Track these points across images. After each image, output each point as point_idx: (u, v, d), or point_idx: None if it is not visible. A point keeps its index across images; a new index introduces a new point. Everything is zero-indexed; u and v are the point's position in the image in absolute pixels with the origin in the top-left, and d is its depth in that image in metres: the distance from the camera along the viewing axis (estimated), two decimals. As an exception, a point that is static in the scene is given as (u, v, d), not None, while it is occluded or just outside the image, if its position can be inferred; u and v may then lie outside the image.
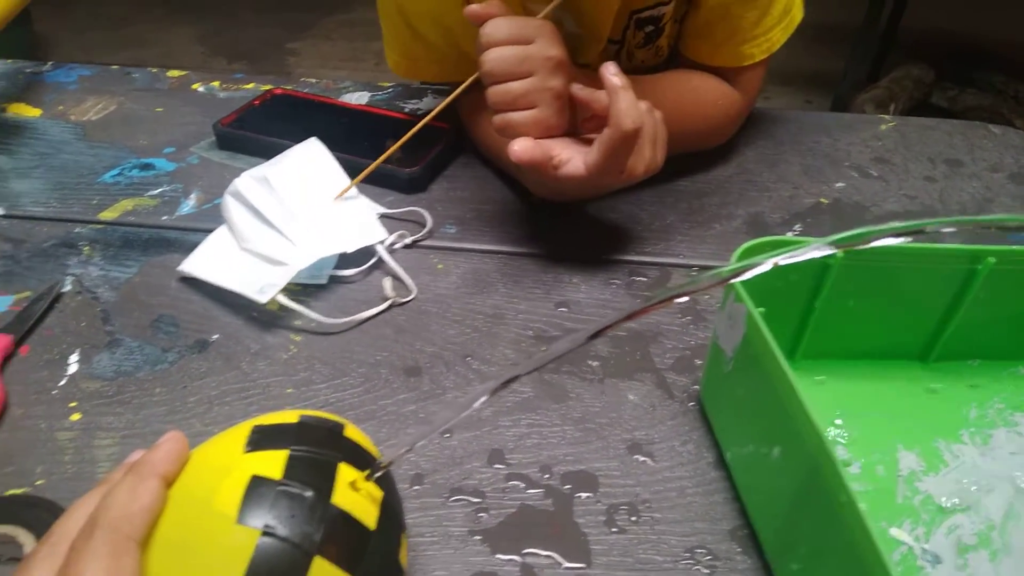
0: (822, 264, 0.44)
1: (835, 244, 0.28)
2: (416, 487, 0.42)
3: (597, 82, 0.51)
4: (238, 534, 0.28)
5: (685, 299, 0.28)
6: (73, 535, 0.27)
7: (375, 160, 0.63)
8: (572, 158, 0.50)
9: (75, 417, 0.44)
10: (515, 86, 0.49)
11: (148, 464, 0.29)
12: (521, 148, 0.48)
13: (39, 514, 0.37)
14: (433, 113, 0.56)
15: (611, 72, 0.47)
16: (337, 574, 0.28)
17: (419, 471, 0.42)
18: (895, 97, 2.16)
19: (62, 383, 0.47)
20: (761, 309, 0.38)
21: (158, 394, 0.46)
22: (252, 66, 2.43)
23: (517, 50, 0.49)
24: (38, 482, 0.41)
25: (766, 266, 0.28)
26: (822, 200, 0.67)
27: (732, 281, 0.28)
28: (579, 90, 0.51)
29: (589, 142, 0.51)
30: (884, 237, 0.27)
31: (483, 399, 0.30)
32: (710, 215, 0.64)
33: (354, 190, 0.58)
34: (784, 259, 0.27)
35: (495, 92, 0.50)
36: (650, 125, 0.51)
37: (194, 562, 0.27)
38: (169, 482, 0.29)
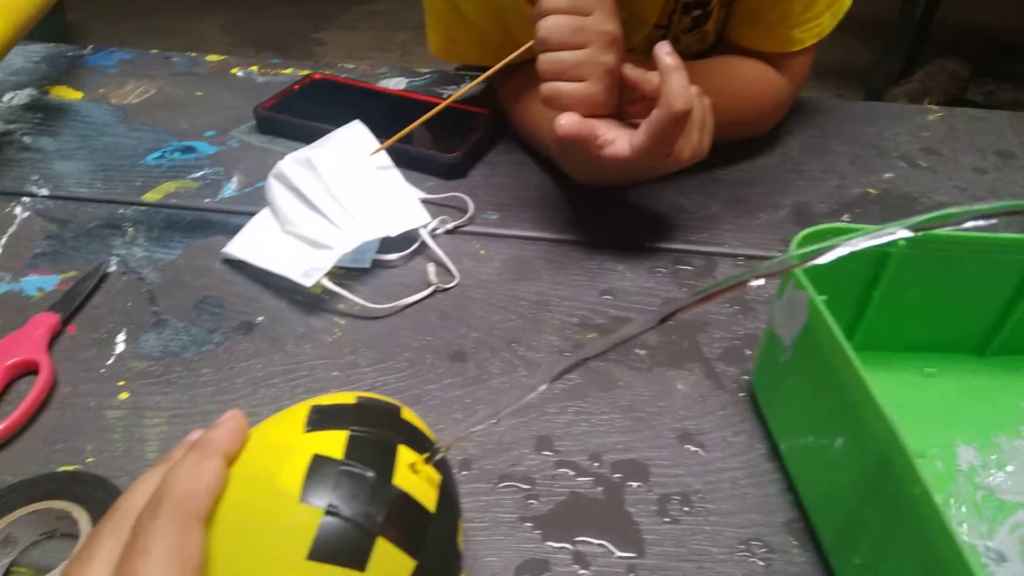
0: (881, 253, 0.43)
1: (918, 227, 0.27)
2: (464, 472, 0.41)
3: (644, 66, 0.50)
4: (301, 513, 0.27)
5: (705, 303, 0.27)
6: (137, 512, 0.27)
7: (416, 145, 0.63)
8: (617, 138, 0.49)
9: (123, 396, 0.44)
10: (567, 56, 0.48)
11: (211, 442, 0.29)
12: (568, 122, 0.47)
13: (92, 491, 0.37)
14: (481, 78, 0.55)
15: (665, 52, 0.46)
16: (399, 556, 0.28)
17: (467, 456, 0.42)
18: (929, 91, 2.13)
19: (110, 362, 0.47)
20: (823, 297, 0.37)
21: (205, 375, 0.46)
22: (279, 56, 2.43)
23: (574, 20, 0.48)
24: (88, 459, 0.41)
25: (846, 248, 0.27)
26: (870, 190, 0.65)
27: (817, 262, 0.27)
28: (629, 70, 0.50)
29: (634, 127, 0.50)
30: (970, 219, 0.26)
31: (550, 381, 0.29)
32: (755, 204, 0.63)
33: (397, 173, 0.57)
34: (867, 241, 0.26)
35: (546, 60, 0.49)
36: (699, 110, 0.50)
37: (257, 540, 0.27)
38: (231, 461, 0.29)
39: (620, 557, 0.38)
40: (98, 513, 0.36)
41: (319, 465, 0.29)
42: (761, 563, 0.38)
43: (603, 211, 0.61)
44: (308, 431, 0.30)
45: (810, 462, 0.39)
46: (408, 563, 0.28)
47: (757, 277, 0.28)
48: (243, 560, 0.27)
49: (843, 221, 0.62)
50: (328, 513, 0.27)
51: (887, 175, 0.68)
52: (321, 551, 0.27)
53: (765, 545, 0.38)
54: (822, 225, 0.42)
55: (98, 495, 0.37)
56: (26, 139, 0.67)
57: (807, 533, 0.39)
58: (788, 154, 0.70)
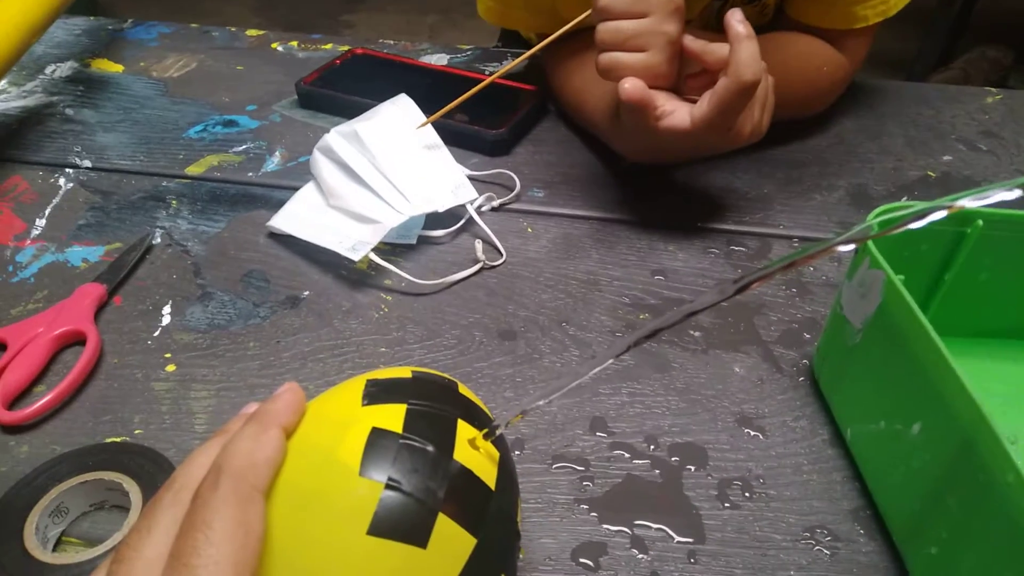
0: (957, 234, 0.41)
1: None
2: (517, 452, 0.40)
3: (703, 39, 0.49)
4: (361, 486, 0.26)
5: (790, 270, 0.25)
6: (196, 483, 0.26)
7: (460, 120, 0.61)
8: (677, 110, 0.47)
9: (170, 368, 0.44)
10: (628, 25, 0.47)
11: (269, 414, 0.28)
12: (632, 86, 0.45)
13: (142, 462, 0.36)
14: (534, 50, 0.54)
15: (737, 19, 0.44)
16: (460, 533, 0.27)
17: (519, 436, 0.41)
18: (970, 78, 2.07)
19: (156, 334, 0.46)
20: (901, 276, 0.36)
21: (252, 348, 0.45)
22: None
23: None
24: (136, 431, 0.40)
25: (940, 213, 0.25)
26: (929, 173, 0.63)
27: (912, 226, 0.26)
28: (691, 41, 0.48)
29: (692, 102, 0.48)
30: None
31: (619, 354, 0.28)
32: (809, 185, 0.61)
33: (444, 148, 0.56)
34: (969, 202, 0.25)
35: (606, 29, 0.48)
36: (762, 86, 0.48)
37: (317, 513, 0.26)
38: (289, 433, 0.28)
39: (680, 542, 0.36)
40: (148, 485, 0.35)
41: (378, 438, 0.28)
42: (827, 552, 0.36)
43: (651, 191, 0.59)
44: (366, 404, 0.29)
45: (880, 449, 0.37)
46: (469, 540, 0.27)
47: (845, 243, 0.26)
48: (303, 534, 0.26)
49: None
50: (388, 487, 0.26)
51: (946, 157, 0.65)
52: (382, 526, 0.26)
53: (830, 533, 0.37)
54: (894, 203, 0.40)
55: (148, 467, 0.36)
56: (68, 111, 0.67)
57: (874, 522, 0.37)
58: (842, 135, 0.68)
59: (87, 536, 0.36)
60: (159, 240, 0.53)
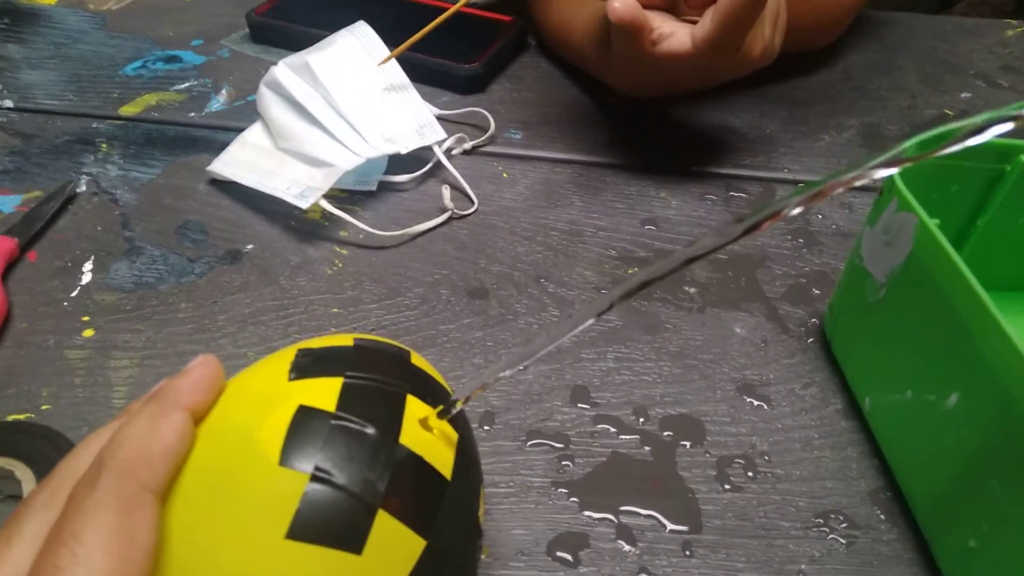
0: (994, 172, 0.36)
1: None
2: (486, 428, 0.35)
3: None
4: (279, 479, 0.21)
5: (797, 213, 0.20)
6: (76, 480, 0.21)
7: (429, 55, 0.55)
8: (676, 32, 0.41)
9: (88, 333, 0.38)
10: None
11: (172, 393, 0.22)
12: (623, 5, 0.39)
13: (40, 446, 0.31)
14: None
15: None
16: (405, 535, 0.22)
17: (489, 409, 0.36)
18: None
19: (74, 294, 0.40)
20: (936, 220, 0.30)
21: (184, 310, 0.39)
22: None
23: None
24: (44, 407, 0.35)
25: (1007, 125, 0.20)
26: (947, 111, 0.57)
27: (951, 150, 0.20)
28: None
29: (692, 23, 0.42)
30: None
31: (602, 312, 0.22)
32: (816, 125, 0.55)
33: (407, 83, 0.49)
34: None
35: None
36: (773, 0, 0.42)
37: (225, 515, 0.21)
38: (199, 417, 0.23)
39: (673, 531, 0.31)
40: (44, 472, 0.30)
41: (304, 419, 0.22)
42: (842, 540, 0.31)
43: (641, 132, 0.53)
44: (293, 379, 0.24)
45: (906, 422, 0.32)
46: (416, 543, 0.22)
47: (871, 169, 0.21)
48: (207, 541, 0.21)
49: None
50: (315, 479, 0.21)
51: (964, 95, 0.59)
52: (305, 528, 0.20)
53: (846, 519, 0.32)
54: (934, 131, 0.34)
55: (46, 450, 0.31)
56: (-10, 46, 0.60)
57: (897, 505, 0.33)
58: (849, 71, 0.61)
59: (-22, 532, 0.30)
60: (84, 188, 0.47)
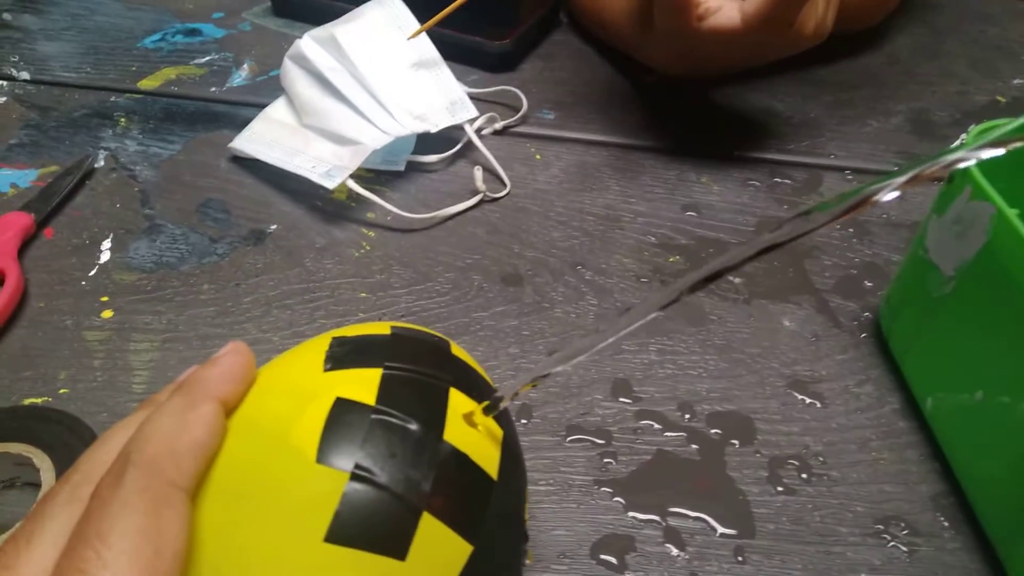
0: (1071, 159, 0.33)
1: None
2: (524, 421, 0.33)
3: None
4: (317, 478, 0.19)
5: (893, 198, 0.18)
6: (101, 475, 0.19)
7: (456, 30, 0.53)
8: (723, 6, 0.39)
9: (107, 314, 0.36)
10: None
11: (202, 383, 0.20)
12: None
13: (59, 432, 0.29)
14: None
15: None
16: (451, 539, 0.20)
17: (525, 402, 0.34)
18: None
19: (92, 273, 0.38)
20: (1015, 210, 0.28)
21: (206, 292, 0.38)
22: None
23: None
24: (61, 391, 0.33)
25: None
26: (999, 98, 0.55)
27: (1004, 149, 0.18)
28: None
29: None
30: None
31: (670, 302, 0.20)
32: (863, 110, 0.53)
33: (437, 58, 0.47)
34: None
35: None
36: None
37: (260, 516, 0.19)
38: (229, 409, 0.21)
39: (724, 535, 0.30)
40: (64, 459, 0.28)
41: (343, 413, 0.21)
42: (903, 548, 0.30)
43: (680, 114, 0.51)
44: (329, 369, 0.22)
45: (974, 425, 0.30)
46: (463, 548, 0.20)
47: (978, 150, 0.19)
48: (241, 544, 0.19)
49: (969, 132, 0.51)
50: (355, 478, 0.19)
51: (1016, 81, 0.57)
52: (345, 530, 0.19)
53: (907, 526, 0.30)
54: (1001, 119, 0.32)
55: (64, 436, 0.29)
56: (6, 16, 0.58)
57: (961, 512, 0.31)
58: (896, 55, 0.59)
59: (-8, 521, 0.29)
60: (102, 163, 0.45)
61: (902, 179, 0.18)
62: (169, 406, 0.20)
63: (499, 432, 0.23)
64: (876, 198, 0.18)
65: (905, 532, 0.30)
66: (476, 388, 0.24)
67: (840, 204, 0.19)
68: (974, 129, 0.31)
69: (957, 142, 0.50)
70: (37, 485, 0.29)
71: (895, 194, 0.18)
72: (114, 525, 0.17)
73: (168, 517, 0.18)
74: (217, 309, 0.37)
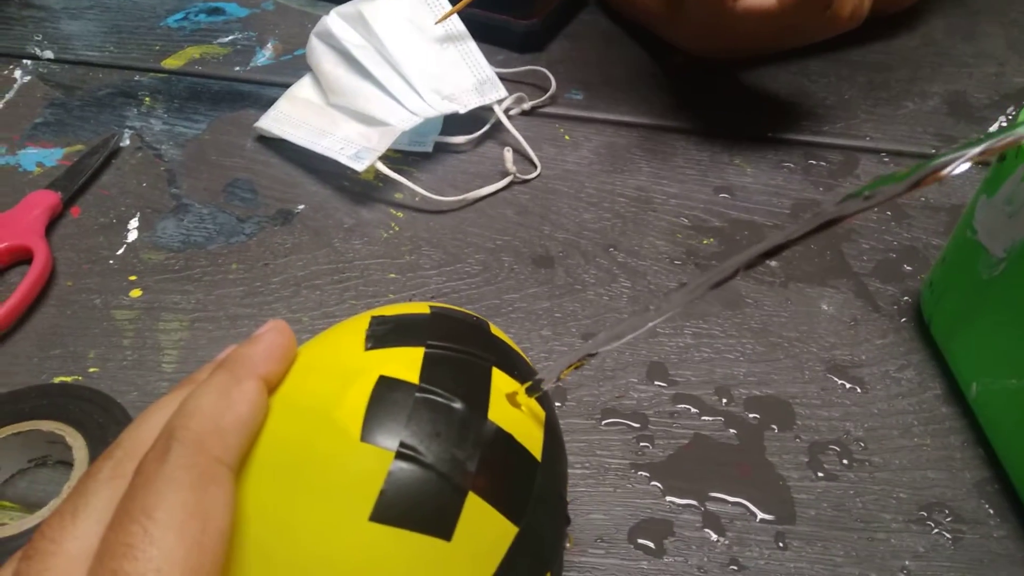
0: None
1: None
2: (558, 404, 0.33)
3: None
4: (363, 456, 0.19)
5: (962, 171, 0.17)
6: (144, 451, 0.19)
7: (482, 8, 0.52)
8: None
9: (135, 293, 0.36)
10: None
11: (245, 361, 0.20)
12: None
13: (90, 410, 0.29)
14: None
15: None
16: (496, 520, 0.20)
17: (561, 384, 0.33)
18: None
19: (120, 252, 0.38)
20: (1074, 189, 0.27)
21: (234, 271, 0.37)
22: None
23: None
24: (91, 369, 0.33)
25: None
26: (1039, 80, 0.53)
27: None
28: None
29: None
30: None
31: (725, 279, 0.20)
32: (898, 92, 0.51)
33: (466, 34, 0.46)
34: None
35: None
36: None
37: (305, 495, 0.19)
38: (271, 387, 0.21)
39: (764, 521, 0.29)
40: (96, 438, 0.28)
41: (387, 391, 0.20)
42: (948, 536, 0.29)
43: (710, 94, 0.50)
44: (370, 348, 0.22)
45: (1018, 409, 0.29)
46: (508, 529, 0.20)
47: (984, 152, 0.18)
48: (286, 520, 0.19)
49: (1009, 116, 0.50)
50: (400, 456, 0.19)
51: (1056, 63, 0.55)
52: (390, 510, 0.18)
53: (952, 513, 0.30)
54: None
55: (96, 415, 0.29)
56: (28, -5, 0.58)
57: (1006, 499, 0.30)
58: (931, 36, 0.57)
59: (24, 498, 0.29)
60: (128, 142, 0.45)
61: (976, 150, 0.17)
62: (212, 383, 0.19)
63: (542, 413, 0.23)
64: (944, 172, 0.18)
65: (949, 519, 0.29)
66: (518, 368, 0.23)
67: (904, 178, 0.18)
68: (1028, 106, 0.30)
69: (995, 125, 0.49)
70: (69, 464, 0.28)
71: (965, 167, 0.18)
72: (160, 501, 0.17)
73: (213, 494, 0.17)
74: (246, 289, 0.37)
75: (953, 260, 0.33)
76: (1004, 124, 0.48)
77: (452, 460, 0.20)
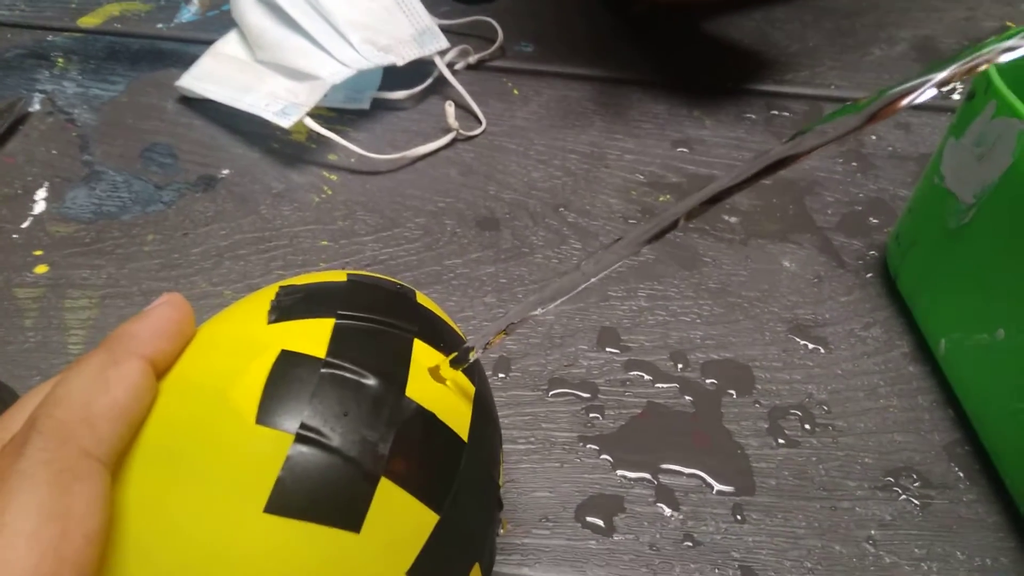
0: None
1: None
2: (501, 376, 0.30)
3: None
4: (257, 441, 0.17)
5: (928, 98, 0.15)
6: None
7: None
8: None
9: (40, 269, 0.33)
10: None
11: (127, 339, 0.17)
12: None
13: (-22, 398, 0.26)
14: None
15: None
16: (413, 508, 0.18)
17: (504, 354, 0.31)
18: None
19: (25, 225, 0.35)
20: (1047, 125, 0.25)
21: (150, 243, 0.34)
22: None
23: None
24: (-12, 353, 0.30)
25: None
26: (1008, 23, 0.51)
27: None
28: None
29: None
30: None
31: (654, 237, 0.17)
32: (865, 38, 0.49)
33: (404, -14, 0.43)
34: None
35: None
36: None
37: (192, 487, 0.17)
38: (160, 368, 0.18)
39: (721, 492, 0.27)
40: (-19, 430, 0.25)
41: (287, 366, 0.18)
42: (916, 502, 0.27)
43: (669, 44, 0.47)
44: (273, 321, 0.19)
45: (991, 367, 0.27)
46: (427, 518, 0.18)
47: (972, 67, 0.15)
48: (170, 516, 0.16)
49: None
50: (300, 440, 0.17)
51: (1026, 6, 0.53)
52: (288, 500, 0.16)
53: (919, 477, 0.28)
54: None
55: (-17, 405, 0.26)
56: (-68, -49, 0.53)
57: (977, 461, 0.28)
58: (898, -20, 0.55)
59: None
60: (38, 107, 0.41)
61: (941, 75, 0.15)
62: (86, 364, 0.17)
63: (470, 388, 0.21)
64: (907, 100, 0.15)
65: (917, 484, 0.28)
66: (444, 340, 0.21)
67: (866, 106, 0.15)
68: (1015, 27, 0.27)
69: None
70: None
71: (930, 93, 0.15)
72: (10, 502, 0.14)
73: (79, 492, 0.15)
74: (162, 262, 0.34)
75: (920, 210, 0.31)
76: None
77: (362, 442, 0.17)
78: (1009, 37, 0.15)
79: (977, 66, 0.15)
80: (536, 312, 0.19)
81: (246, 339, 0.19)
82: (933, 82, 0.15)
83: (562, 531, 0.26)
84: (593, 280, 0.18)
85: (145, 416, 0.17)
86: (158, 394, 0.18)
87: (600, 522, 0.26)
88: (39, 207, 0.36)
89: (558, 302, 0.19)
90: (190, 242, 0.34)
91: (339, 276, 0.21)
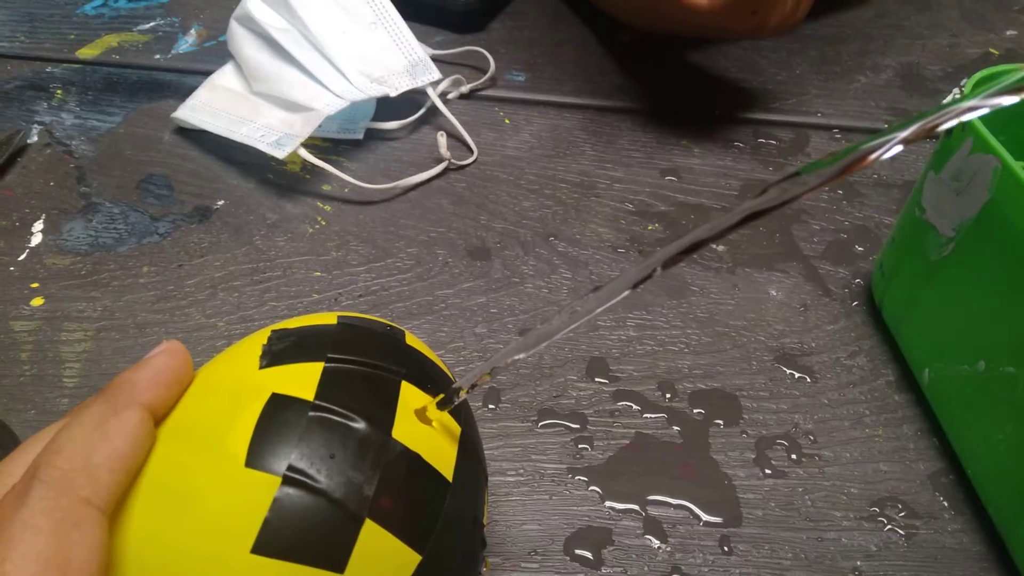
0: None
1: None
2: (491, 406, 0.31)
3: None
4: (245, 483, 0.17)
5: (895, 153, 0.15)
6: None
7: (421, -14, 0.49)
8: None
9: (36, 302, 0.33)
10: None
11: (127, 388, 0.18)
12: None
13: (-26, 434, 0.27)
14: None
15: None
16: (397, 549, 0.18)
17: (494, 385, 0.31)
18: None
19: (22, 257, 0.35)
20: (1022, 163, 0.25)
21: (146, 275, 0.35)
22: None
23: None
24: (-16, 387, 0.30)
25: None
26: (991, 50, 0.52)
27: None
28: None
29: None
30: None
31: (648, 276, 0.18)
32: (850, 66, 0.50)
33: (395, 15, 0.44)
34: None
35: None
36: None
37: (184, 529, 0.17)
38: (159, 414, 0.19)
39: (708, 524, 0.27)
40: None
41: (277, 410, 0.18)
42: (901, 532, 0.27)
43: (658, 73, 0.48)
44: (265, 366, 0.20)
45: (974, 397, 0.28)
46: (409, 559, 0.18)
47: (993, 96, 0.16)
48: (163, 558, 0.17)
49: (961, 87, 0.49)
50: (288, 482, 0.17)
51: (1010, 32, 0.54)
52: (274, 541, 0.17)
53: (905, 507, 0.28)
54: (998, 67, 0.29)
55: (-20, 442, 0.26)
56: (-67, -17, 0.54)
57: (961, 490, 0.29)
58: (884, 7, 0.56)
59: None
60: (35, 139, 0.42)
61: (904, 133, 0.16)
62: (87, 414, 0.17)
63: (456, 428, 0.21)
64: (874, 156, 0.16)
65: (903, 514, 0.28)
66: (432, 381, 0.21)
67: (833, 164, 0.16)
68: (972, 78, 0.28)
69: (950, 96, 0.47)
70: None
71: (896, 149, 0.16)
72: (12, 550, 0.15)
73: (78, 540, 0.15)
74: (158, 293, 0.34)
75: (902, 240, 0.32)
76: (957, 96, 0.47)
77: (348, 484, 0.18)
78: (985, 79, 0.15)
79: (939, 125, 0.15)
80: (519, 357, 0.20)
81: (238, 384, 0.19)
82: (899, 139, 0.16)
83: (551, 564, 0.26)
84: (578, 324, 0.19)
85: (144, 462, 0.18)
86: (157, 438, 0.18)
87: (589, 555, 0.26)
88: (36, 239, 0.36)
89: (542, 347, 0.19)
90: (185, 273, 0.35)
91: (330, 319, 0.22)
